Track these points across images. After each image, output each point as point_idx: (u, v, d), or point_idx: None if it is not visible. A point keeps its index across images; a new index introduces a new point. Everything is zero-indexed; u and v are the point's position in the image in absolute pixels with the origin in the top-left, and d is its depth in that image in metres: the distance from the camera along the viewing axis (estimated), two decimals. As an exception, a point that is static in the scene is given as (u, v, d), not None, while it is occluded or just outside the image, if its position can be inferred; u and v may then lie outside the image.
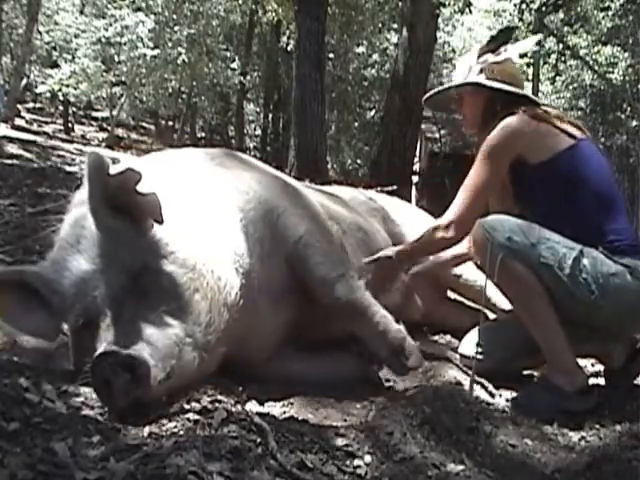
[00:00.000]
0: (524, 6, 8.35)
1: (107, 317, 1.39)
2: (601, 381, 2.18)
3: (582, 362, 2.09)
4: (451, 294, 2.81)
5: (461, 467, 1.43)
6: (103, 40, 12.70)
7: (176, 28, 13.55)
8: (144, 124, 20.26)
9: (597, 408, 1.88)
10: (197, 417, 1.33)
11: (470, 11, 9.48)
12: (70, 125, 15.40)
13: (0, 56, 15.83)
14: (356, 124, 16.29)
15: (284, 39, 14.03)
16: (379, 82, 15.19)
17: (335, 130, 15.97)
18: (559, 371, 1.88)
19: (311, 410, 1.73)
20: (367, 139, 15.57)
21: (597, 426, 1.79)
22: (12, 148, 7.70)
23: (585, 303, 1.87)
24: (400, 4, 9.83)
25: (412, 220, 2.77)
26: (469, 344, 2.16)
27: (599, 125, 7.82)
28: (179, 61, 13.20)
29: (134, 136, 17.60)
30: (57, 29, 14.34)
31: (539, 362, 2.06)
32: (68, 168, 6.15)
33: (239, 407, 1.46)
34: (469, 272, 2.66)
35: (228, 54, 15.34)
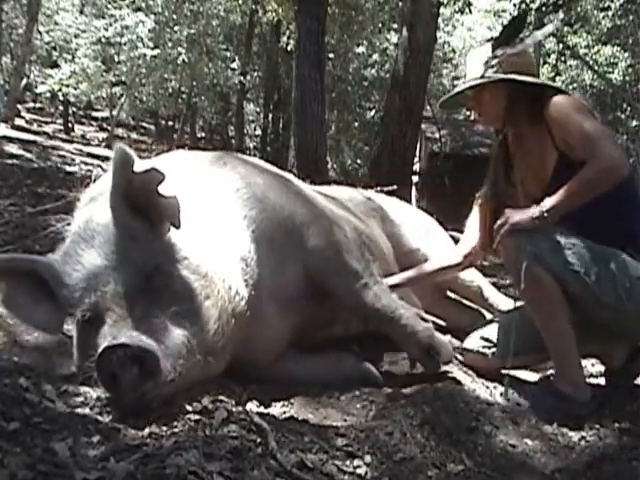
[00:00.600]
0: (524, 6, 8.36)
1: (115, 314, 1.39)
2: (601, 381, 2.18)
3: (582, 362, 2.09)
4: (450, 294, 2.81)
5: (461, 467, 1.43)
6: (103, 40, 12.69)
7: (176, 28, 13.54)
8: (144, 124, 20.29)
9: (597, 408, 1.88)
10: (197, 417, 1.33)
11: (470, 11, 9.51)
12: (70, 125, 15.42)
13: (0, 56, 15.84)
14: (356, 124, 16.31)
15: (284, 39, 14.04)
16: (379, 82, 15.22)
17: (335, 130, 15.98)
18: (566, 382, 1.86)
19: (311, 410, 1.73)
20: (367, 139, 15.58)
21: (597, 426, 1.78)
22: (12, 148, 7.69)
23: (612, 308, 1.85)
24: (400, 4, 9.85)
25: (411, 220, 2.77)
26: (474, 339, 2.16)
27: (599, 125, 7.81)
28: (179, 61, 13.19)
29: (134, 136, 17.61)
30: (57, 29, 14.35)
31: (544, 359, 2.05)
32: (68, 168, 6.15)
33: (239, 407, 1.46)
34: (467, 272, 2.66)
35: (228, 54, 15.34)
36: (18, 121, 13.00)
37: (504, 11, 14.63)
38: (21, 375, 1.39)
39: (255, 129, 20.11)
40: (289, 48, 12.51)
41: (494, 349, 2.10)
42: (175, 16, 13.84)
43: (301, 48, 7.19)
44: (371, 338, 2.15)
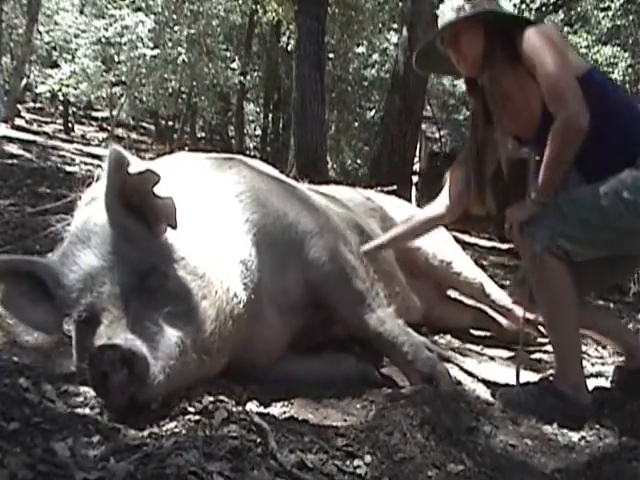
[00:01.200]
0: (524, 6, 8.37)
1: (110, 314, 1.39)
2: (601, 381, 2.18)
3: (582, 362, 2.09)
4: (451, 293, 2.82)
5: (461, 467, 1.42)
6: (103, 40, 12.71)
7: (176, 28, 13.56)
8: (144, 124, 20.29)
9: (597, 408, 1.88)
10: (197, 417, 1.33)
11: (470, 11, 9.47)
12: (70, 125, 15.43)
13: (0, 56, 15.85)
14: (356, 124, 16.29)
15: (284, 39, 14.06)
16: (379, 82, 15.20)
17: (335, 130, 15.97)
18: (566, 383, 1.86)
19: (311, 410, 1.73)
20: (367, 139, 15.57)
21: (597, 426, 1.78)
22: (12, 148, 7.70)
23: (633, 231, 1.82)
24: (400, 4, 9.85)
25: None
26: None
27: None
28: (179, 61, 13.20)
29: (134, 136, 17.61)
30: (57, 29, 14.35)
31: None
32: (68, 168, 6.16)
33: (239, 407, 1.46)
34: (468, 270, 2.67)
35: (228, 54, 15.34)
36: (18, 121, 13.02)
37: (504, 11, 14.62)
38: (21, 375, 1.39)
39: (255, 129, 20.10)
40: (289, 48, 12.53)
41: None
42: (175, 16, 13.85)
43: (301, 48, 7.20)
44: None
